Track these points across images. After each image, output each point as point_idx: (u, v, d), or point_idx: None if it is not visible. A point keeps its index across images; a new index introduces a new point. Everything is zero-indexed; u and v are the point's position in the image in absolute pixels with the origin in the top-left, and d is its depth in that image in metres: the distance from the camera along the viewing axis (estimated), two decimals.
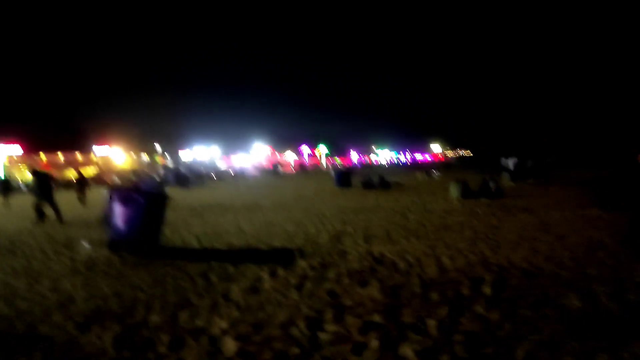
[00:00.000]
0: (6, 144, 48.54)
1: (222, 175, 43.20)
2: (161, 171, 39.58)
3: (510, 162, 28.17)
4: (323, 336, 4.01)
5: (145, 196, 8.59)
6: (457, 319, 4.36)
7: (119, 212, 8.41)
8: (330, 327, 4.20)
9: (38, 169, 21.10)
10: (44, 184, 14.28)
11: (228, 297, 5.33)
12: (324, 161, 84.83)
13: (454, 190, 17.72)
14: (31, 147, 52.50)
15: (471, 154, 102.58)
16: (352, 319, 4.40)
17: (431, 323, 4.25)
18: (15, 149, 50.83)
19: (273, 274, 6.39)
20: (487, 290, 5.33)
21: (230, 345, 3.86)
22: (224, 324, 4.37)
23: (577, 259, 6.76)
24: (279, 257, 7.59)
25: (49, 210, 13.94)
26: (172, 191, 28.28)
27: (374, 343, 3.78)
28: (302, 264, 7.03)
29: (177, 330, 4.34)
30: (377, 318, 4.41)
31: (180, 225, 12.13)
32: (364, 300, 5.03)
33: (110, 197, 8.65)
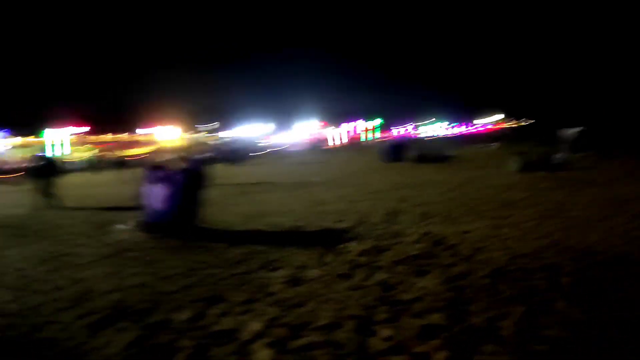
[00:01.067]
0: (73, 125, 49.85)
1: (271, 152, 43.14)
2: (210, 148, 39.80)
3: (570, 134, 26.34)
4: (374, 343, 3.40)
5: (182, 175, 8.20)
6: (537, 320, 3.65)
7: (155, 192, 8.07)
8: (383, 331, 3.58)
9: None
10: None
11: (266, 290, 4.80)
12: (377, 134, 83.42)
13: (513, 164, 16.59)
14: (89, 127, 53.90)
15: (529, 123, 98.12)
16: (408, 320, 3.77)
17: (506, 325, 3.56)
18: (83, 129, 52.13)
19: (319, 261, 5.82)
20: (566, 281, 4.56)
21: (262, 355, 3.31)
22: (257, 326, 3.81)
23: None
24: (328, 240, 7.02)
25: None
26: (220, 168, 28.39)
27: (438, 356, 3.13)
28: (352, 247, 6.43)
29: (203, 332, 3.81)
30: (438, 319, 3.76)
31: (225, 204, 11.77)
32: (423, 294, 4.39)
33: (147, 176, 8.32)
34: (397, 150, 26.66)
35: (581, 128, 24.95)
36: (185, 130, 75.72)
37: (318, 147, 51.02)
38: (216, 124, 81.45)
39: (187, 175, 8.52)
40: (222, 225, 9.00)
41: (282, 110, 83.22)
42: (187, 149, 45.89)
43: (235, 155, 33.48)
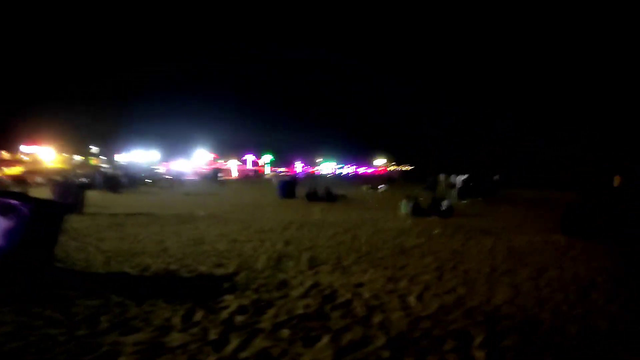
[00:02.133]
0: None
1: (159, 180, 40.58)
2: (89, 173, 36.52)
3: (458, 179, 27.52)
4: None
5: (30, 206, 6.66)
6: None
7: None
8: None
9: None
10: None
11: None
12: (267, 170, 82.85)
13: (404, 207, 16.53)
14: None
15: (412, 168, 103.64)
16: None
17: None
18: None
19: (187, 320, 4.70)
20: (480, 356, 3.89)
21: None
22: None
23: (573, 304, 5.49)
24: (201, 291, 5.90)
25: None
26: (97, 195, 25.83)
27: None
28: (230, 301, 5.38)
29: None
30: None
31: (92, 238, 10.14)
32: None
33: None
34: (289, 187, 25.98)
35: (467, 175, 26.07)
36: (68, 153, 70.29)
37: (211, 179, 48.92)
38: (97, 149, 76.69)
39: (37, 206, 6.96)
40: (80, 265, 7.49)
41: (174, 139, 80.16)
42: (62, 172, 41.88)
43: (115, 181, 30.79)
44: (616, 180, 11.20)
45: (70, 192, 16.68)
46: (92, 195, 27.01)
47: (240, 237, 10.65)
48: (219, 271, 7.10)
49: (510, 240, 10.54)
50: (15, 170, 47.00)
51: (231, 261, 7.85)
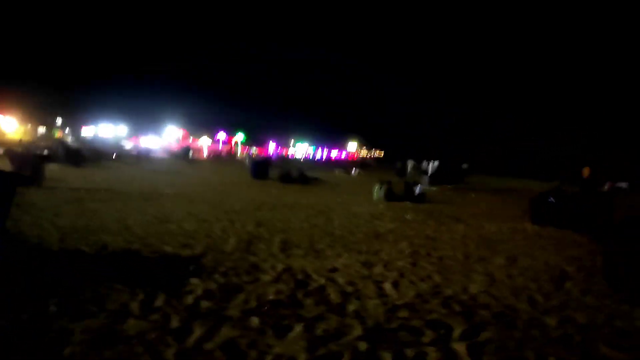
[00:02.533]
0: None
1: (125, 156, 39.44)
2: (51, 145, 35.18)
3: (430, 166, 27.60)
4: None
5: None
6: None
7: None
8: None
9: None
10: None
11: (60, 354, 3.23)
12: (239, 149, 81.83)
13: (377, 192, 16.34)
14: None
15: (382, 154, 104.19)
16: None
17: None
18: None
19: (147, 305, 4.33)
20: (460, 349, 3.66)
21: None
22: None
23: (548, 295, 5.34)
24: (164, 273, 5.54)
25: None
26: (61, 169, 24.89)
27: None
28: (195, 285, 5.02)
29: None
30: None
31: (48, 213, 9.57)
32: None
33: None
34: (262, 168, 25.53)
35: (438, 162, 26.10)
36: (33, 124, 68.02)
37: (181, 157, 47.84)
38: (62, 121, 74.43)
39: None
40: (32, 242, 6.99)
41: (143, 113, 78.15)
42: (22, 142, 40.30)
43: (77, 155, 29.71)
44: (585, 172, 11.23)
45: (28, 163, 15.93)
46: (52, 169, 26.08)
47: (209, 217, 10.25)
48: (185, 252, 6.73)
49: (481, 227, 10.45)
50: None
51: (199, 242, 7.48)
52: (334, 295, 4.91)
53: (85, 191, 14.51)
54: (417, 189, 16.72)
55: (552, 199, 10.85)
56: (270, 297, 4.75)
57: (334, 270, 5.98)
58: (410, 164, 30.13)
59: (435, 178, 25.06)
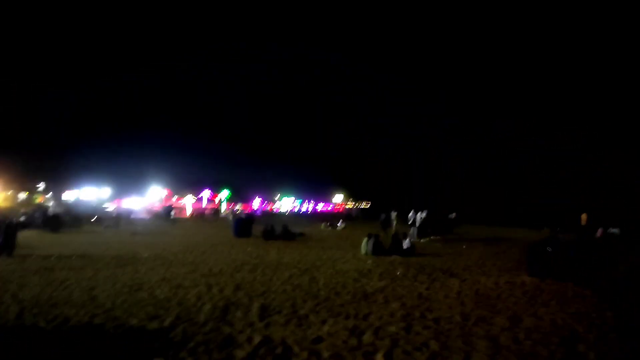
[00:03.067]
0: None
1: (104, 219, 38.42)
2: (28, 212, 34.20)
3: (417, 217, 27.01)
4: None
5: None
6: None
7: None
8: None
9: None
10: None
11: None
12: (224, 207, 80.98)
13: (364, 246, 15.73)
14: None
15: (367, 205, 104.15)
16: None
17: None
18: None
19: None
20: None
21: None
22: None
23: None
24: (124, 353, 4.85)
25: None
26: (37, 235, 23.97)
27: None
28: None
29: None
30: None
31: (13, 285, 8.94)
32: None
33: None
34: (245, 225, 24.83)
35: (426, 212, 25.61)
36: (14, 189, 66.94)
37: (163, 217, 46.85)
38: (44, 185, 73.44)
39: None
40: None
41: (127, 175, 77.50)
42: (1, 210, 39.24)
43: (55, 220, 28.80)
44: (583, 219, 10.76)
45: (0, 232, 15.12)
46: (29, 236, 25.12)
47: (185, 281, 9.55)
48: (153, 325, 6.04)
49: (476, 282, 9.85)
50: None
51: (169, 312, 6.79)
52: None
53: (57, 259, 13.72)
54: (406, 243, 16.15)
55: (549, 249, 10.33)
56: None
57: (319, 340, 5.33)
58: (393, 214, 29.49)
59: (423, 229, 24.50)
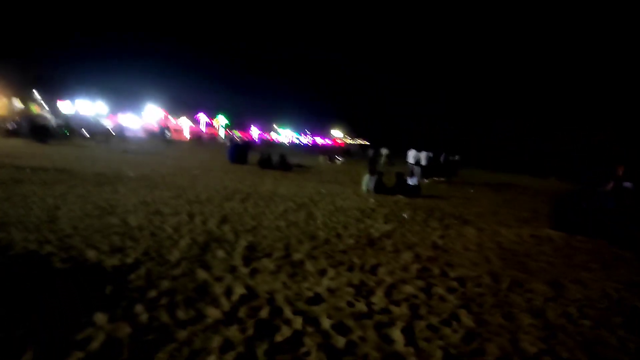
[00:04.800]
0: None
1: (97, 134, 36.97)
2: (16, 120, 32.72)
3: (423, 157, 25.62)
4: None
5: None
6: None
7: None
8: None
9: None
10: None
11: None
12: (222, 132, 79.36)
13: (367, 183, 14.52)
14: None
15: (368, 143, 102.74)
16: None
17: None
18: None
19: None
20: None
21: None
22: None
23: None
24: (64, 298, 3.68)
25: None
26: (23, 145, 22.72)
27: None
28: (98, 330, 3.19)
29: None
30: None
31: None
32: None
33: None
34: (241, 152, 23.54)
35: (431, 152, 24.28)
36: (8, 97, 65.09)
37: (159, 137, 45.39)
38: (40, 96, 71.41)
39: None
40: None
41: (123, 92, 75.25)
42: None
43: (43, 130, 27.43)
44: (620, 170, 9.55)
45: None
46: (14, 144, 23.89)
47: (165, 208, 8.37)
48: (112, 261, 4.86)
49: (495, 233, 8.70)
50: None
51: (137, 244, 5.62)
52: (313, 348, 3.11)
53: (32, 171, 12.51)
54: (411, 181, 14.95)
55: (584, 203, 9.09)
56: (218, 343, 2.94)
57: (317, 300, 4.16)
58: (384, 151, 27.77)
59: (427, 170, 23.27)
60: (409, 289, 4.72)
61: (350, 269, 5.29)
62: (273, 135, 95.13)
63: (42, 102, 70.46)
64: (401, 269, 5.47)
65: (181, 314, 3.57)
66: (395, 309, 4.06)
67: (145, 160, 20.70)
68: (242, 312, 3.72)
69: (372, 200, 12.20)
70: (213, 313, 3.64)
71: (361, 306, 4.07)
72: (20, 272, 4.35)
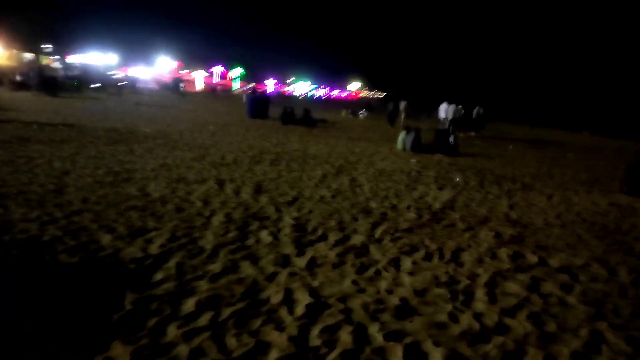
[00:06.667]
0: None
1: (108, 86, 35.73)
2: (24, 71, 31.56)
3: (451, 110, 24.02)
4: None
5: None
6: None
7: None
8: None
9: None
10: None
11: None
12: (237, 85, 77.55)
13: (402, 141, 13.30)
14: None
15: (385, 95, 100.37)
16: None
17: None
18: None
19: None
20: None
21: None
22: None
23: None
24: (69, 306, 2.65)
25: None
26: (32, 98, 21.67)
27: None
28: (118, 353, 2.16)
29: None
30: None
31: None
32: None
33: None
34: (261, 105, 22.23)
35: (461, 106, 22.83)
36: (18, 50, 63.88)
37: (172, 89, 44.03)
38: (51, 47, 69.98)
39: None
40: None
41: (133, 42, 73.46)
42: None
43: (52, 83, 26.29)
44: None
45: None
46: (22, 97, 22.81)
47: (189, 173, 7.31)
48: (131, 250, 3.83)
49: (566, 200, 7.56)
50: None
51: (162, 223, 4.59)
52: None
53: (40, 127, 11.49)
54: (451, 139, 13.69)
55: None
56: None
57: (407, 311, 3.10)
58: (402, 105, 25.83)
59: (460, 124, 21.88)
60: (513, 287, 3.64)
61: (429, 257, 4.21)
62: (289, 88, 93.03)
63: (52, 53, 69.14)
64: (489, 255, 4.39)
65: (232, 345, 2.53)
66: (514, 325, 3.00)
67: (160, 113, 19.60)
68: (315, 336, 2.67)
69: (413, 160, 11.03)
70: (277, 341, 2.60)
71: (468, 320, 3.00)
72: (12, 274, 3.35)
